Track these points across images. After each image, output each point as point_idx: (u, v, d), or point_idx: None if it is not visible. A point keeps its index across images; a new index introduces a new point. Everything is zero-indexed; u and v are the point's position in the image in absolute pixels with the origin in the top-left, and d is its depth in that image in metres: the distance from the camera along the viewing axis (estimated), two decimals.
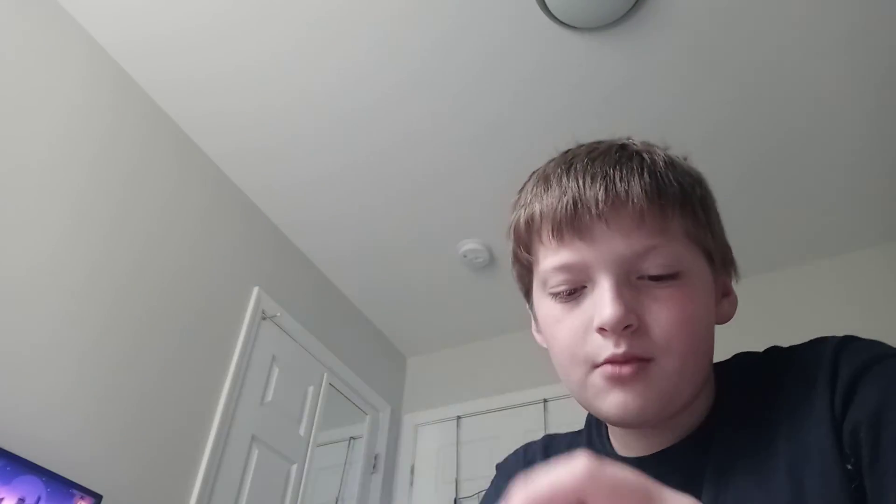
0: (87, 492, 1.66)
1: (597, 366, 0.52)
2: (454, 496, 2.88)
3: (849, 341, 0.52)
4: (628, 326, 0.50)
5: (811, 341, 0.55)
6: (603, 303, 0.51)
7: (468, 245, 2.79)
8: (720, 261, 0.58)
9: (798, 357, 0.54)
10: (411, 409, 3.37)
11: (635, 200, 0.52)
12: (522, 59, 2.07)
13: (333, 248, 2.90)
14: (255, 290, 2.55)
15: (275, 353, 2.59)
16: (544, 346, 0.61)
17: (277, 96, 2.25)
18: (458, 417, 3.14)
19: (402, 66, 2.12)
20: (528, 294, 0.64)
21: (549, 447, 0.70)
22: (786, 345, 0.58)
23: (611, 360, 0.51)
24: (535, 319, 0.63)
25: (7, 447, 1.51)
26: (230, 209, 2.56)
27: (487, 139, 2.34)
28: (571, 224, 0.54)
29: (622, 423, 0.55)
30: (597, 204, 0.53)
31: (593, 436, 0.65)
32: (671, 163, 0.57)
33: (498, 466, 0.74)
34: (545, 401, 2.93)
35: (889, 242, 2.58)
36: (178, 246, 2.25)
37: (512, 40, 2.01)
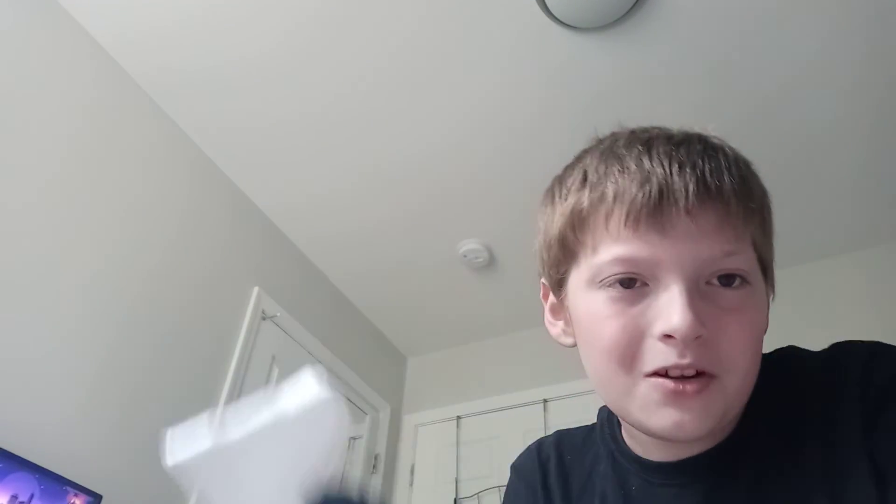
0: (87, 492, 1.66)
1: (649, 374, 0.47)
2: (454, 496, 2.88)
3: (879, 349, 0.49)
4: (698, 337, 0.45)
5: (835, 348, 0.52)
6: (673, 308, 0.46)
7: (468, 245, 2.79)
8: (770, 277, 0.54)
9: (823, 365, 0.51)
10: (411, 409, 3.37)
11: (725, 199, 0.47)
12: (522, 58, 2.06)
13: (333, 248, 2.89)
14: (255, 290, 2.55)
15: (275, 353, 2.59)
16: (566, 341, 0.57)
17: (277, 95, 2.25)
18: (458, 418, 3.14)
19: (400, 65, 2.12)
20: (559, 283, 0.56)
21: (562, 443, 0.68)
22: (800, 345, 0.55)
23: (670, 371, 0.46)
24: (563, 312, 0.57)
25: (0, 444, 1.51)
26: (230, 208, 2.55)
27: (486, 138, 2.34)
28: (653, 215, 0.47)
29: (669, 440, 0.50)
30: (686, 196, 0.47)
31: (606, 434, 0.63)
32: (748, 164, 0.52)
33: (513, 467, 0.71)
34: (545, 401, 2.93)
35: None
36: (177, 245, 2.25)
37: (511, 39, 2.01)
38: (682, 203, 0.47)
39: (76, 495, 1.62)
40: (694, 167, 0.48)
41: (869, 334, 0.53)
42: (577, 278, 0.53)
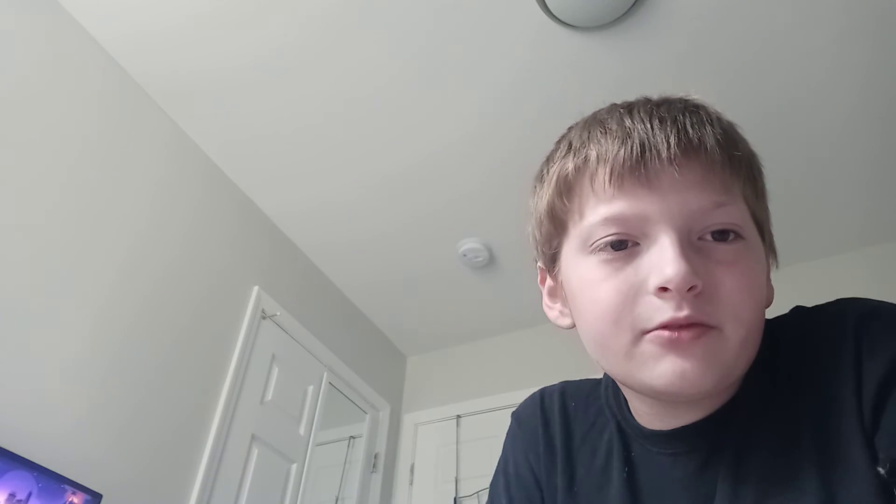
0: (87, 491, 1.65)
1: (647, 332, 0.46)
2: (454, 495, 2.89)
3: (869, 319, 0.47)
4: (693, 288, 0.44)
5: (832, 307, 0.51)
6: (665, 260, 0.45)
7: (468, 244, 2.79)
8: (769, 241, 0.53)
9: (819, 326, 0.50)
10: (411, 408, 3.37)
11: (708, 149, 0.47)
12: (522, 58, 2.07)
13: (333, 248, 2.90)
14: (255, 289, 2.55)
15: (274, 353, 2.59)
16: (564, 322, 0.56)
17: (276, 94, 2.25)
18: (458, 417, 3.14)
19: (399, 64, 2.12)
20: (552, 259, 0.56)
21: (566, 392, 0.67)
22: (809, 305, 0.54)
23: (668, 325, 0.45)
24: (559, 292, 0.56)
25: None
26: (229, 208, 2.55)
27: (487, 138, 2.34)
28: (637, 169, 0.47)
29: (671, 396, 0.48)
30: (669, 147, 0.47)
31: (610, 399, 0.62)
32: (732, 124, 0.53)
33: (514, 414, 0.71)
34: None
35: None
36: (177, 245, 2.25)
37: (511, 39, 2.01)
38: (664, 154, 0.47)
39: (74, 493, 1.62)
40: (675, 121, 0.48)
41: None
42: (569, 249, 0.53)
